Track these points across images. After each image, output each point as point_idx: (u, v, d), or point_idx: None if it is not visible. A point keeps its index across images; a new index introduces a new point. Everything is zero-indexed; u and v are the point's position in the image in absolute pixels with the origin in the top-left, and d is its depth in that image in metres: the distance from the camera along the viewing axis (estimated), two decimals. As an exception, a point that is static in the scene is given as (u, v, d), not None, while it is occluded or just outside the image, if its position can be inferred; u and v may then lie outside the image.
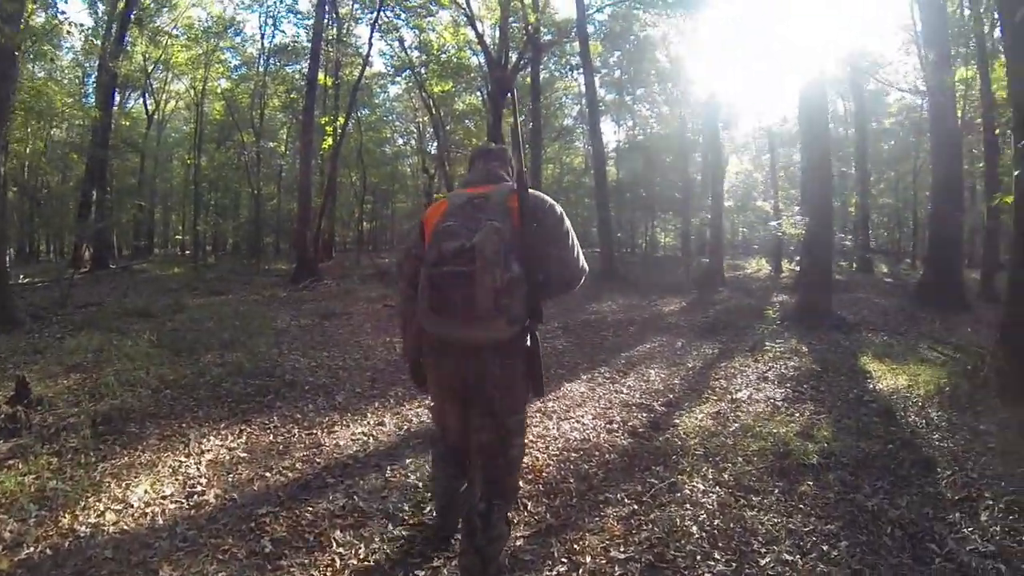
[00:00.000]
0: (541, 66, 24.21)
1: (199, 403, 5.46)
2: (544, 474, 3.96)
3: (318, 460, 4.22)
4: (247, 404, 5.48)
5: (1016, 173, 5.80)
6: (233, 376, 6.29)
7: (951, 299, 12.59)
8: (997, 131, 16.26)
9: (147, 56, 26.23)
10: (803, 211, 11.43)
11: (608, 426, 4.98)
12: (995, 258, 16.16)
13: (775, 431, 4.70)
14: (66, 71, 28.57)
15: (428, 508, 3.48)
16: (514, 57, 22.86)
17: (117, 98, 27.76)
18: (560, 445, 4.53)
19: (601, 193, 19.16)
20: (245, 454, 4.33)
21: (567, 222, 2.58)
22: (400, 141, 39.82)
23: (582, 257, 2.60)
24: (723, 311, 12.31)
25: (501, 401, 2.48)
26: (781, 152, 30.74)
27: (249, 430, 4.82)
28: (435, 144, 31.09)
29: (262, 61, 27.93)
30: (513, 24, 22.82)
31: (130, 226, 32.87)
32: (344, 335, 9.12)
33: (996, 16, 17.60)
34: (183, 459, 4.18)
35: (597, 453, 4.35)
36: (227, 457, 4.26)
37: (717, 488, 3.78)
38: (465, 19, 22.22)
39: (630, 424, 5.01)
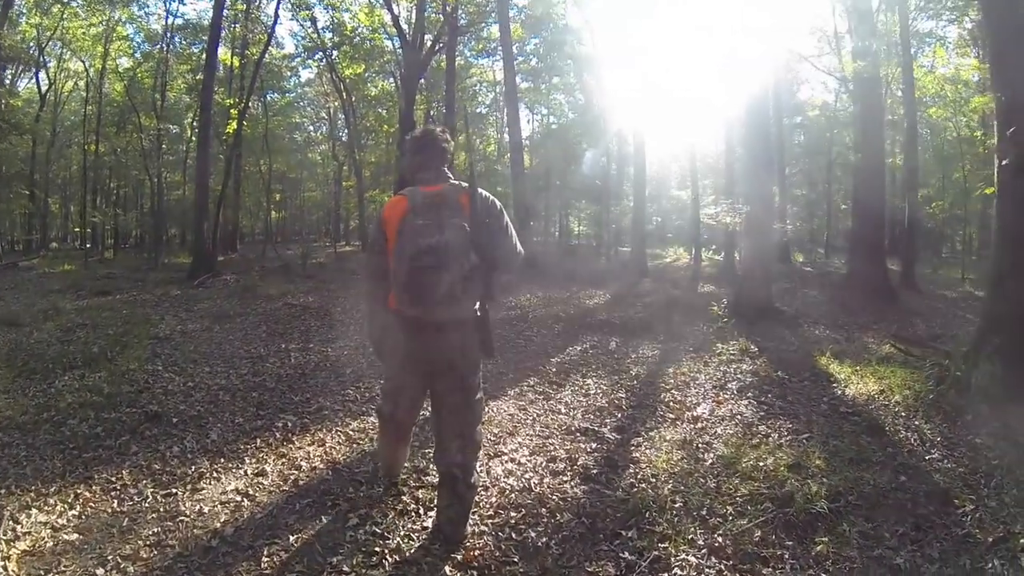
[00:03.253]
0: (456, 51, 23.12)
1: (32, 453, 4.10)
2: (477, 550, 2.92)
3: (171, 543, 3.01)
4: (93, 452, 4.16)
5: (1004, 162, 5.20)
6: (86, 408, 4.96)
7: (878, 289, 12.76)
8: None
9: (40, 28, 23.69)
10: (744, 200, 10.75)
11: (552, 466, 3.95)
12: (914, 248, 16.63)
13: (761, 464, 3.82)
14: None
15: None
16: (430, 40, 21.74)
17: (8, 76, 25.47)
18: (494, 500, 3.47)
19: (518, 182, 18.27)
20: (76, 535, 3.08)
21: (507, 215, 3.03)
22: (311, 128, 38.11)
23: (519, 242, 3.07)
24: (653, 305, 11.63)
25: (464, 365, 2.98)
26: (699, 142, 30.54)
27: (88, 494, 3.55)
28: (347, 132, 29.74)
29: (167, 39, 25.81)
30: (430, 6, 21.62)
31: (20, 218, 30.18)
32: (234, 343, 7.84)
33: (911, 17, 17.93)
34: (-15, 551, 2.93)
35: (545, 511, 3.31)
36: (49, 544, 3.00)
37: (713, 560, 2.84)
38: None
39: (580, 462, 3.99)
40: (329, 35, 24.38)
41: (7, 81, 28.30)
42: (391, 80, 28.02)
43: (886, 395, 5.42)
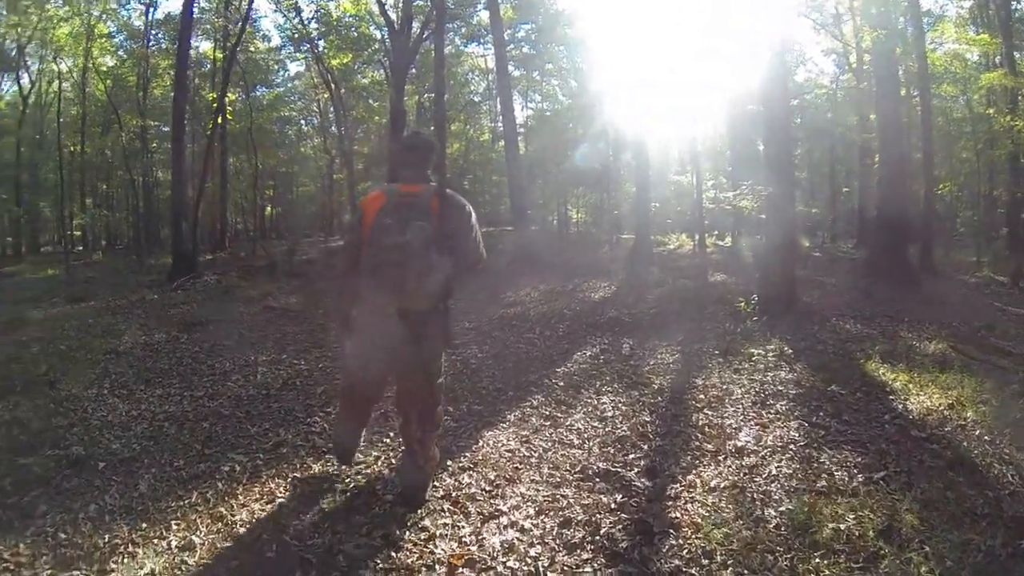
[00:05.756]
0: (445, 38, 22.17)
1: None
2: None
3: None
4: None
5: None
6: (2, 451, 4.07)
7: (901, 275, 12.08)
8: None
9: (19, 29, 22.65)
10: (765, 182, 9.82)
11: (566, 534, 2.98)
12: (932, 231, 15.86)
13: (842, 527, 2.89)
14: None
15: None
16: (417, 27, 20.88)
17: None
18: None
19: (513, 169, 17.25)
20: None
21: (474, 218, 3.28)
22: (302, 122, 37.22)
23: (482, 246, 3.32)
24: (664, 298, 10.66)
25: (424, 352, 3.19)
26: (700, 124, 29.66)
27: None
28: (336, 124, 28.99)
29: (148, 34, 24.96)
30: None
31: (8, 222, 29.50)
32: (199, 356, 6.93)
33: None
34: None
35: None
36: None
37: None
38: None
39: (603, 530, 3.01)
40: (314, 25, 23.73)
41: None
42: (380, 70, 27.13)
43: (957, 411, 4.53)
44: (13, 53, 24.13)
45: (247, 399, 5.30)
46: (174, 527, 3.12)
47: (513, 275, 13.21)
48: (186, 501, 3.41)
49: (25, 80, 27.26)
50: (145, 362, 6.70)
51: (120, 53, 26.70)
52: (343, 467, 3.69)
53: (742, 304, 8.25)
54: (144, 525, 3.15)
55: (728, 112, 22.66)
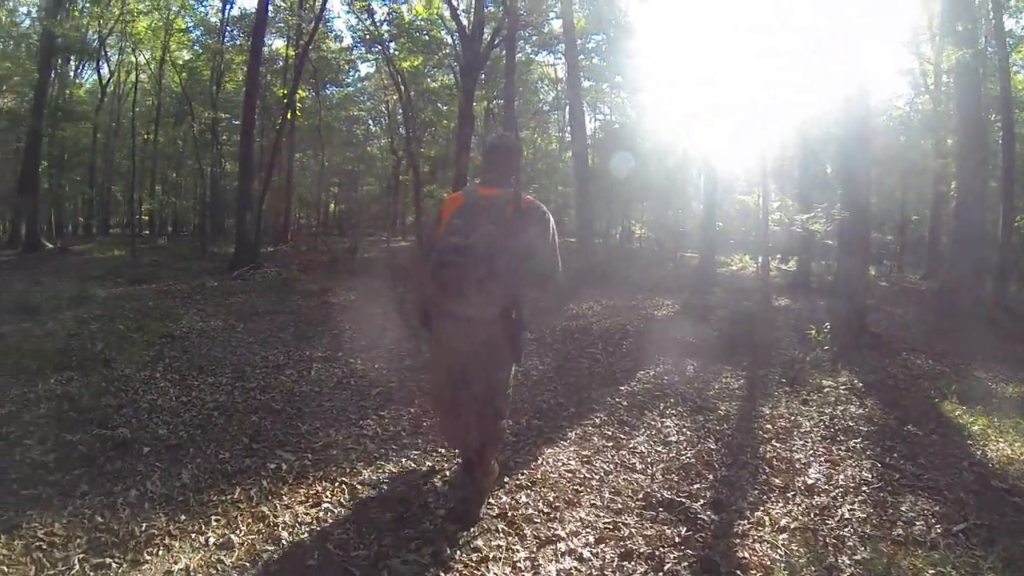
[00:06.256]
0: (516, 46, 22.13)
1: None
2: None
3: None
4: (33, 488, 3.23)
5: None
6: (51, 425, 4.07)
7: (973, 310, 11.26)
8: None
9: (101, 21, 23.50)
10: (841, 206, 9.44)
11: (627, 567, 2.78)
12: (1009, 265, 15.05)
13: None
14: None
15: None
16: (489, 34, 20.90)
17: (73, 67, 26.38)
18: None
19: (581, 181, 17.04)
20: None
21: (552, 229, 3.09)
22: (370, 122, 37.70)
23: (559, 260, 3.12)
24: (728, 320, 10.30)
25: (488, 361, 3.07)
26: (769, 143, 28.95)
27: (6, 551, 2.63)
28: (404, 126, 29.24)
29: (223, 30, 25.67)
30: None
31: (82, 203, 30.59)
32: (253, 347, 6.91)
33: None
34: None
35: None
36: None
37: None
38: (438, -12, 20.24)
39: (667, 565, 2.80)
40: (386, 27, 23.85)
41: (71, 72, 28.59)
42: (450, 74, 27.25)
43: (1041, 461, 4.21)
44: (95, 44, 24.92)
45: (299, 395, 5.22)
46: (214, 523, 3.04)
47: (576, 287, 12.99)
48: (228, 496, 3.33)
49: (104, 70, 28.16)
50: (200, 348, 6.73)
51: (196, 47, 27.54)
52: (449, 449, 3.90)
53: (813, 332, 7.85)
54: (183, 517, 3.08)
55: (799, 132, 22.01)
